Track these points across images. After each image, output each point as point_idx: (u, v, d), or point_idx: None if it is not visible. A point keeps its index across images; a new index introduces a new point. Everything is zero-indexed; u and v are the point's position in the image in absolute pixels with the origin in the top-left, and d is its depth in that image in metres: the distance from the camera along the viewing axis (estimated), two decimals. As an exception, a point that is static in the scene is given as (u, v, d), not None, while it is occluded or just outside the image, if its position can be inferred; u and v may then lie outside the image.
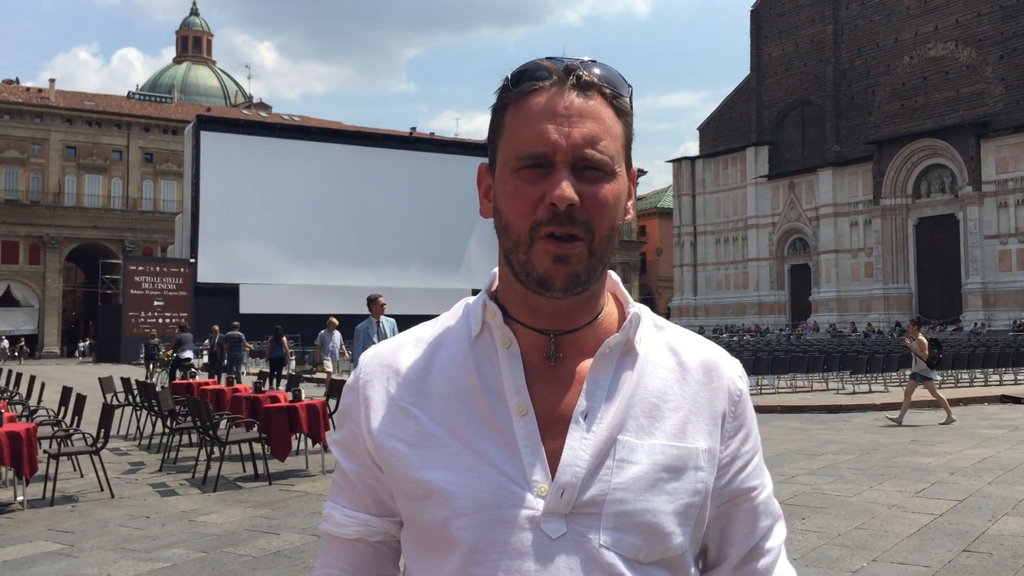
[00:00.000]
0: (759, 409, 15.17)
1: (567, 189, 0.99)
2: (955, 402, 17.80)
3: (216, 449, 9.78)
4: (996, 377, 22.30)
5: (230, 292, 50.93)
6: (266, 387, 14.02)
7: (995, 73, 55.47)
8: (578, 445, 1.02)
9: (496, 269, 1.14)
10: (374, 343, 9.46)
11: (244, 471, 10.23)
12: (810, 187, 65.37)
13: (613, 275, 1.15)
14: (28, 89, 69.33)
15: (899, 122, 60.24)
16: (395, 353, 1.13)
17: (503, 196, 1.05)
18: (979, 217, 54.55)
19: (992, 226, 54.27)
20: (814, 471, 9.83)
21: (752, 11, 72.13)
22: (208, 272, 51.17)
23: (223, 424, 10.34)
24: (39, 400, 14.75)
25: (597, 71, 1.04)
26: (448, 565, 1.03)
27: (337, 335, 18.80)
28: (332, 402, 11.64)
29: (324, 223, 54.31)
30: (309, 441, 10.73)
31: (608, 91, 1.04)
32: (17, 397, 15.78)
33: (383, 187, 56.75)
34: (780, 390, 20.50)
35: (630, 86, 1.08)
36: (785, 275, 67.76)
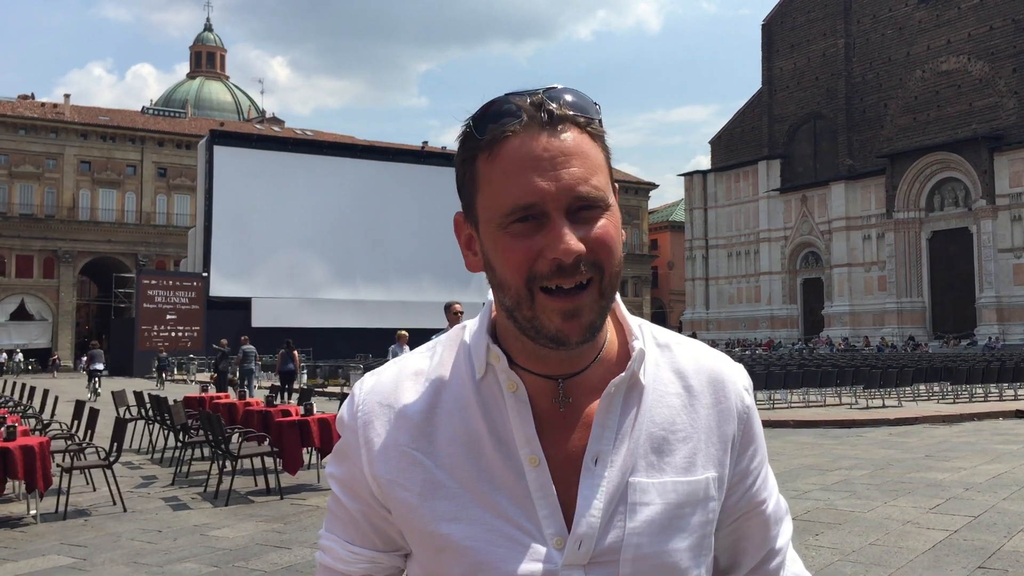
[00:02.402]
0: (773, 424, 15.05)
1: (571, 241, 0.93)
2: (969, 417, 17.70)
3: (228, 463, 9.79)
4: (1011, 392, 22.14)
5: (242, 306, 51.08)
6: (277, 401, 14.03)
7: (1008, 86, 55.31)
8: (591, 493, 0.99)
9: (491, 298, 1.06)
10: None
11: (256, 485, 10.23)
12: (822, 201, 65.21)
13: (617, 297, 1.12)
14: (43, 104, 69.85)
15: (912, 136, 60.08)
16: (395, 391, 1.06)
17: (495, 254, 0.98)
18: (993, 231, 54.29)
19: (1006, 240, 53.99)
20: (827, 486, 9.77)
21: (763, 25, 72.17)
22: (220, 286, 51.35)
23: (235, 438, 10.35)
24: (52, 414, 14.81)
25: (564, 99, 0.98)
26: None
27: (407, 349, 18.49)
28: (344, 416, 11.64)
29: (336, 237, 54.46)
30: (321, 455, 10.73)
31: (581, 119, 0.98)
32: (31, 411, 15.85)
33: (395, 201, 56.89)
34: (793, 404, 20.39)
35: (597, 104, 1.01)
36: (797, 289, 67.53)
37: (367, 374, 1.12)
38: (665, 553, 0.99)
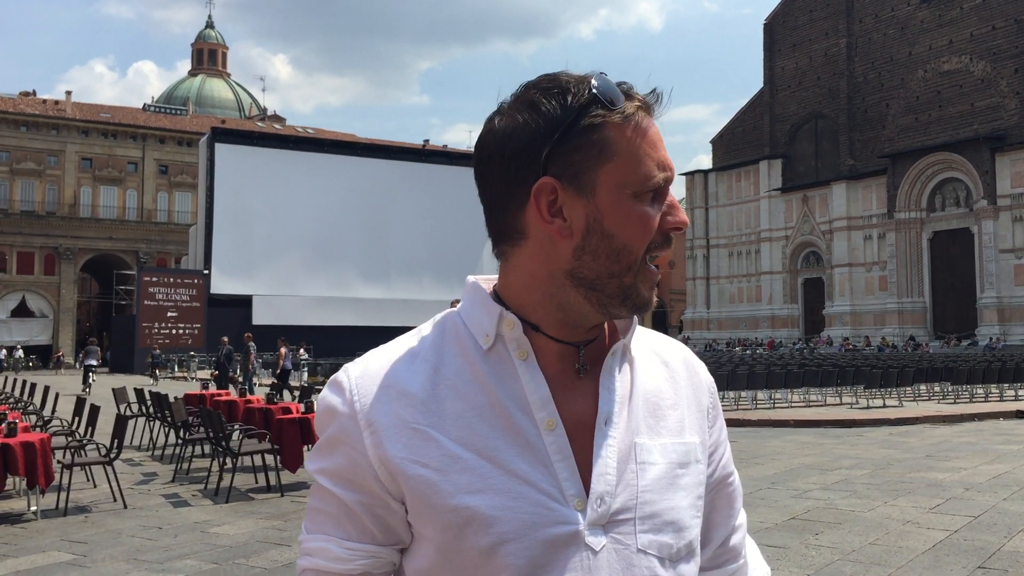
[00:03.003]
0: (773, 423, 15.08)
1: (683, 212, 1.05)
2: (970, 417, 17.70)
3: (228, 460, 9.80)
4: (1012, 392, 22.14)
5: (243, 304, 51.09)
6: (277, 399, 14.02)
7: (1010, 87, 55.28)
8: (605, 453, 1.03)
9: (473, 279, 1.10)
10: None
11: (256, 482, 10.24)
12: (823, 200, 65.16)
13: None
14: (45, 101, 69.89)
15: (913, 136, 60.04)
16: (390, 372, 1.05)
17: (622, 220, 1.01)
18: (994, 231, 54.26)
19: (1007, 240, 53.96)
20: (828, 486, 9.77)
21: (765, 24, 72.12)
22: (222, 284, 51.36)
23: (235, 435, 10.36)
24: (53, 410, 14.82)
25: (654, 94, 1.07)
26: None
27: None
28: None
29: (337, 235, 54.46)
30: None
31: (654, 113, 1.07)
32: (32, 407, 15.86)
33: (396, 199, 56.90)
34: (794, 404, 20.40)
35: None
36: (798, 288, 67.49)
37: (347, 364, 1.10)
38: (671, 510, 1.04)
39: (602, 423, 1.04)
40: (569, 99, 1.01)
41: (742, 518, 1.23)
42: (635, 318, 1.10)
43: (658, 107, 1.05)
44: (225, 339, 25.46)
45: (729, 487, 1.20)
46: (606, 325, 1.11)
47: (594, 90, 1.01)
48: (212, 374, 26.52)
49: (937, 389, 22.80)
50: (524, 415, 1.02)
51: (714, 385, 1.20)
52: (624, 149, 1.01)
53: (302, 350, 41.24)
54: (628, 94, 1.04)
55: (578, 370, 1.07)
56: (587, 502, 1.00)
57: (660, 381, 1.12)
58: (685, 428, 1.10)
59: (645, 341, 1.16)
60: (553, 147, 1.01)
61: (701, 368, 1.19)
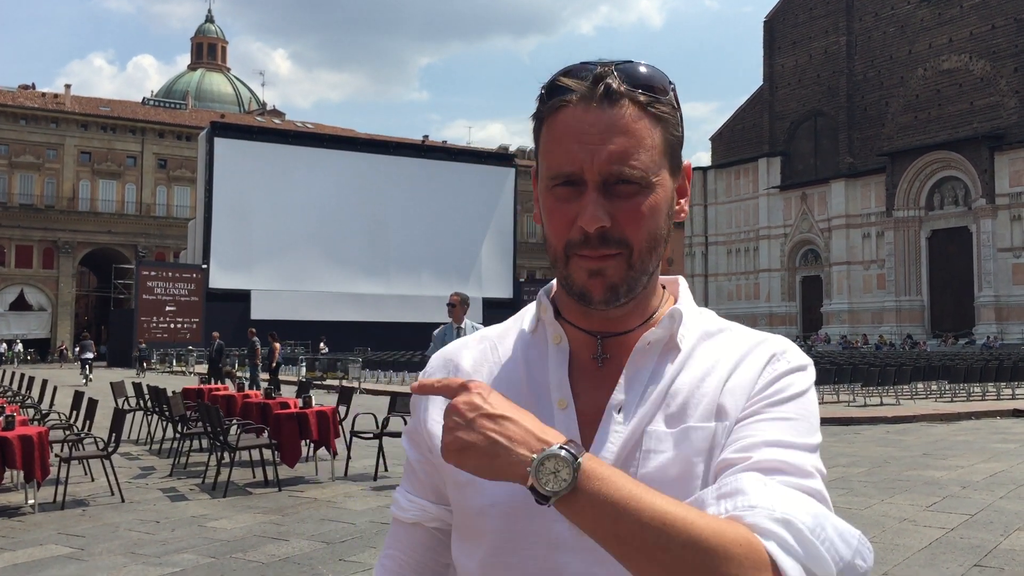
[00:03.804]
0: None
1: (596, 212, 0.98)
2: (967, 415, 17.73)
3: (226, 455, 9.80)
4: (1008, 391, 22.16)
5: (242, 298, 51.12)
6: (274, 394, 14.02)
7: (1009, 86, 55.29)
8: (606, 439, 1.02)
9: None
10: None
11: (254, 477, 10.24)
12: (822, 198, 65.20)
13: (681, 281, 1.16)
14: (44, 95, 69.80)
15: (912, 134, 60.06)
16: (459, 351, 1.18)
17: (543, 211, 1.05)
18: (992, 230, 54.32)
19: (1005, 239, 54.02)
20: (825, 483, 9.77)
21: (765, 22, 72.10)
22: (220, 278, 51.36)
23: (233, 430, 10.36)
24: (51, 404, 14.83)
25: (633, 74, 1.01)
26: (480, 551, 1.06)
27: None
28: (342, 409, 11.67)
29: (336, 230, 54.44)
30: (317, 448, 10.75)
31: (642, 98, 1.00)
32: (29, 401, 15.86)
33: (395, 195, 56.88)
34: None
35: (672, 84, 1.04)
36: (796, 286, 67.56)
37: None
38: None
39: (614, 411, 1.04)
40: (537, 97, 1.06)
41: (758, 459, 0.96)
42: (675, 309, 1.08)
43: (611, 87, 0.99)
44: (216, 334, 25.67)
45: (730, 455, 0.98)
46: (656, 317, 1.09)
47: (542, 86, 1.05)
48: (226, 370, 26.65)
49: (934, 387, 22.83)
50: (543, 394, 1.07)
51: (779, 371, 1.03)
52: (544, 140, 1.04)
53: (321, 343, 41.40)
54: (563, 86, 1.01)
55: (596, 359, 1.08)
56: None
57: (704, 371, 1.05)
58: (712, 413, 1.02)
59: (721, 340, 1.09)
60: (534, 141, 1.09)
61: (763, 352, 1.05)
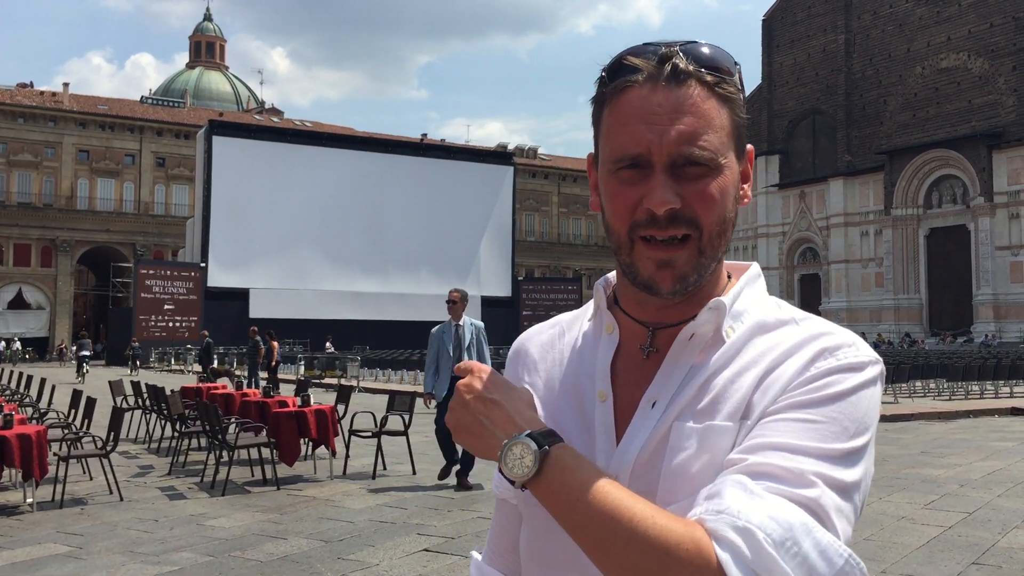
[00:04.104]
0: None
1: (664, 194, 0.96)
2: (965, 414, 17.75)
3: (225, 453, 9.80)
4: (1007, 389, 22.20)
5: (240, 297, 51.10)
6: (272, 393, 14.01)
7: (1007, 84, 55.32)
8: (636, 434, 1.01)
9: None
10: (449, 352, 9.15)
11: (252, 475, 10.24)
12: (821, 197, 65.25)
13: (753, 267, 1.13)
14: (42, 93, 69.74)
15: (911, 132, 60.10)
16: (531, 336, 1.20)
17: (605, 197, 1.03)
18: (990, 228, 54.37)
19: (1004, 237, 54.07)
20: (823, 482, 9.78)
21: (764, 20, 72.12)
22: (218, 277, 51.34)
23: (232, 428, 10.36)
24: (49, 403, 14.82)
25: (698, 54, 0.99)
26: (524, 535, 1.12)
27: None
28: (341, 407, 11.67)
29: (335, 229, 54.43)
30: (316, 446, 10.75)
31: (709, 78, 0.98)
32: (28, 399, 15.84)
33: (394, 193, 56.87)
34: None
35: (737, 64, 1.02)
36: (795, 285, 67.60)
37: None
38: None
39: (648, 405, 1.02)
40: (597, 79, 1.04)
41: (760, 466, 0.90)
42: (718, 301, 1.02)
43: (678, 67, 0.97)
44: (205, 332, 25.88)
45: (743, 452, 0.93)
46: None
47: (604, 66, 1.03)
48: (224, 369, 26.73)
49: (932, 386, 22.86)
50: (589, 384, 1.08)
51: (825, 367, 0.96)
52: (607, 123, 1.02)
53: (327, 343, 41.50)
54: (629, 65, 0.99)
55: (643, 351, 1.06)
56: None
57: (744, 365, 1.00)
58: (743, 410, 0.97)
59: (783, 333, 1.02)
60: (592, 126, 1.07)
61: (813, 348, 0.98)
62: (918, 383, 22.80)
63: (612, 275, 1.14)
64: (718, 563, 0.82)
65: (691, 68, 0.98)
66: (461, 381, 1.00)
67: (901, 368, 21.14)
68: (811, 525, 0.85)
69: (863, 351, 0.99)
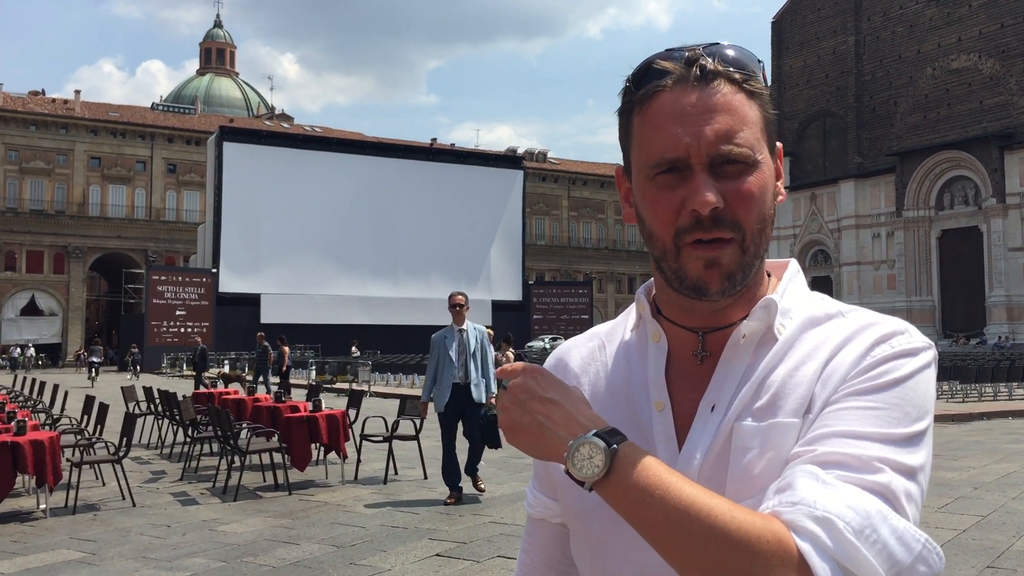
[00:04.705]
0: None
1: (707, 194, 0.95)
2: (978, 416, 17.65)
3: (236, 459, 9.82)
4: (1021, 391, 22.07)
5: (251, 302, 51.23)
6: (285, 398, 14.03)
7: (1019, 84, 55.07)
8: (699, 439, 1.00)
9: None
10: (451, 357, 9.01)
11: (264, 481, 10.26)
12: (832, 199, 65.03)
13: (792, 264, 1.11)
14: (54, 100, 70.12)
15: (922, 134, 59.87)
16: (570, 349, 1.19)
17: (643, 205, 1.02)
18: (1003, 229, 54.09)
19: (1016, 238, 53.79)
20: (836, 485, 9.74)
21: (773, 23, 71.97)
22: (230, 282, 51.50)
23: (243, 434, 10.38)
24: (62, 409, 14.88)
25: (723, 54, 1.00)
26: (584, 553, 1.08)
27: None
28: (352, 412, 11.68)
29: (345, 234, 54.56)
30: (327, 451, 10.76)
31: (737, 76, 0.99)
32: (41, 406, 15.92)
33: (404, 198, 56.98)
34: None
35: (761, 62, 1.03)
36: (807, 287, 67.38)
37: None
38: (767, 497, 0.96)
39: (707, 409, 1.01)
40: (622, 89, 1.04)
41: (831, 456, 0.90)
42: (769, 299, 1.02)
43: (706, 68, 0.98)
44: (198, 339, 26.06)
45: (808, 444, 0.92)
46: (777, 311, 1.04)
47: (629, 76, 1.03)
48: (225, 372, 26.79)
49: (946, 388, 22.73)
50: (643, 395, 1.07)
51: (881, 354, 0.96)
52: (639, 130, 1.01)
53: (353, 347, 41.67)
54: (658, 68, 0.99)
55: (696, 356, 1.05)
56: None
57: (799, 361, 0.99)
58: (805, 406, 0.97)
59: (832, 326, 1.02)
60: (620, 138, 1.07)
61: (875, 333, 0.98)
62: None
63: (651, 283, 1.13)
64: (799, 555, 0.81)
65: (719, 67, 0.98)
66: (514, 382, 0.97)
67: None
68: (886, 512, 0.85)
69: (916, 337, 0.99)
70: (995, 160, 54.54)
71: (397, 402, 12.29)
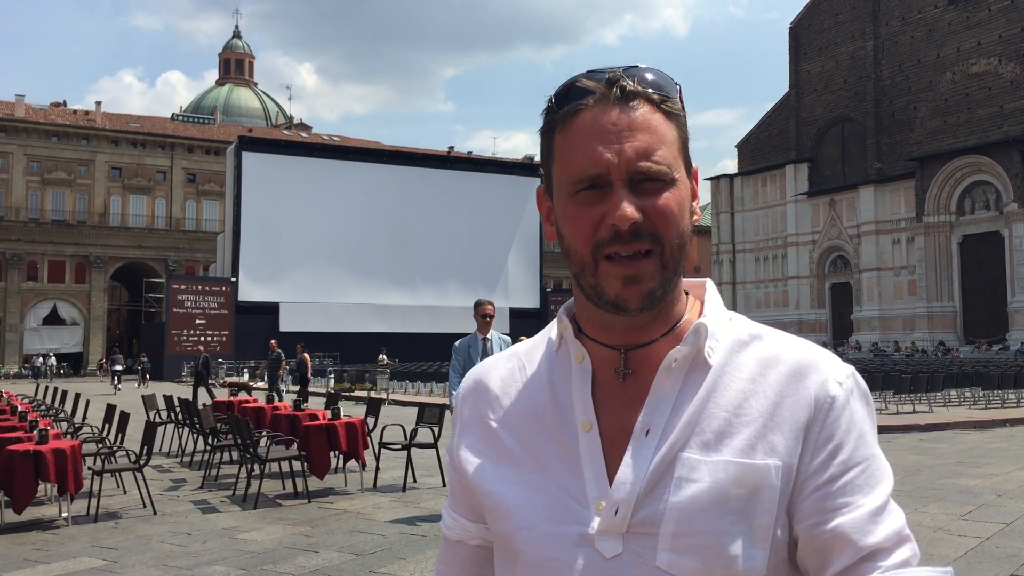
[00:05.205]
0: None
1: (627, 208, 0.97)
2: (1001, 422, 17.49)
3: (256, 467, 9.85)
4: (1044, 397, 21.84)
5: (270, 311, 51.44)
6: (304, 406, 14.08)
7: (1040, 88, 54.61)
8: (635, 462, 1.00)
9: None
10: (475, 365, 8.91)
11: (284, 489, 10.29)
12: (851, 204, 64.64)
13: (709, 284, 1.13)
14: (75, 112, 70.75)
15: (941, 138, 59.45)
16: (489, 369, 1.17)
17: (563, 221, 1.03)
18: (1025, 234, 53.60)
19: (1038, 243, 53.28)
20: (857, 492, 9.66)
21: (791, 28, 71.72)
22: (249, 291, 51.74)
23: (263, 442, 10.42)
24: (84, 417, 14.98)
25: (642, 77, 1.02)
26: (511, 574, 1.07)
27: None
28: (371, 420, 11.70)
29: (363, 242, 54.72)
30: (347, 459, 10.77)
31: (655, 96, 1.01)
32: (62, 414, 16.03)
33: (421, 206, 57.10)
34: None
35: (678, 84, 1.05)
36: (826, 293, 66.97)
37: None
38: (710, 533, 0.96)
39: (642, 433, 1.01)
40: (544, 108, 1.06)
41: (886, 561, 0.98)
42: (700, 324, 1.03)
43: (626, 88, 1.00)
44: (201, 348, 26.31)
45: (842, 517, 0.97)
46: (682, 328, 1.06)
47: (551, 96, 1.05)
48: (242, 382, 26.98)
49: (968, 394, 22.54)
50: (567, 415, 1.06)
51: (834, 400, 1.00)
52: (560, 148, 1.03)
53: (382, 355, 41.85)
54: (581, 88, 1.02)
55: (619, 374, 1.05)
56: (605, 506, 0.99)
57: (743, 395, 1.01)
58: (757, 449, 0.98)
59: (757, 349, 1.05)
60: (541, 157, 1.09)
61: (816, 379, 1.01)
62: (953, 392, 22.51)
63: (572, 301, 1.13)
64: None
65: (639, 88, 1.01)
66: None
67: (936, 377, 20.88)
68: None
69: (840, 371, 1.03)
70: (1016, 164, 54.07)
71: (416, 410, 12.29)
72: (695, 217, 1.05)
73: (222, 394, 23.57)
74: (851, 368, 1.04)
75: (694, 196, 1.06)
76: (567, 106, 1.02)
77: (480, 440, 1.11)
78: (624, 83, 1.00)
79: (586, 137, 1.00)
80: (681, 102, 1.04)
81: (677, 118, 1.03)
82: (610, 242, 0.98)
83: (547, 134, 1.06)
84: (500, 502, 1.05)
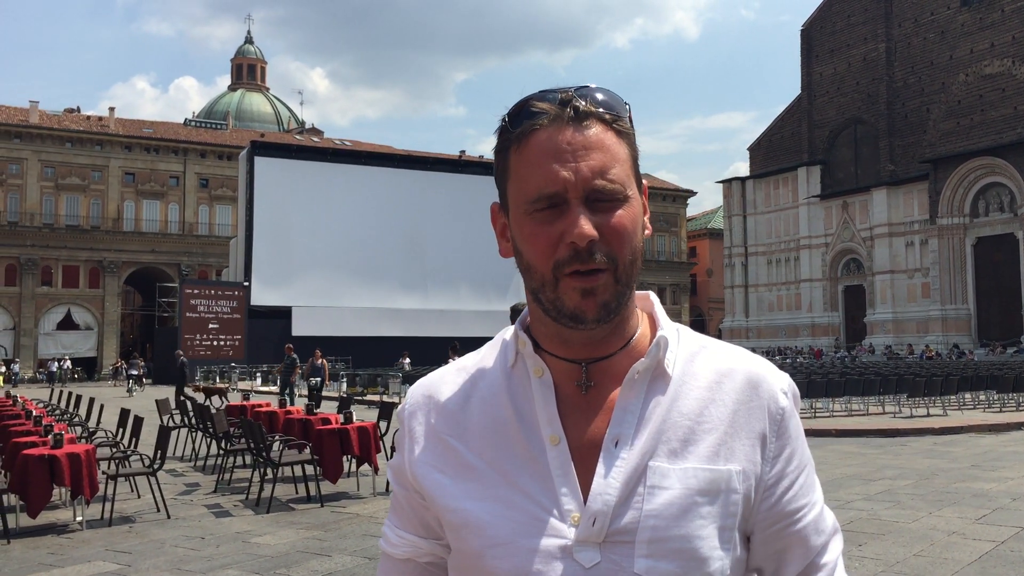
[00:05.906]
0: (815, 433, 14.91)
1: (584, 226, 0.99)
2: (1016, 426, 17.38)
3: (269, 471, 9.88)
4: (1060, 400, 21.69)
5: (283, 315, 51.54)
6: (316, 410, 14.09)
7: (1054, 89, 54.31)
8: (608, 472, 1.02)
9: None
10: None
11: (296, 493, 10.31)
12: (864, 207, 64.41)
13: (652, 297, 1.16)
14: (89, 118, 71.11)
15: (955, 140, 59.19)
16: (438, 385, 1.16)
17: (521, 239, 1.05)
18: (1040, 236, 53.29)
19: (1053, 245, 52.96)
20: (871, 496, 9.64)
21: (803, 30, 71.57)
22: (261, 295, 51.86)
23: (276, 446, 10.45)
24: (98, 422, 15.05)
25: (593, 97, 1.04)
26: None
27: None
28: (383, 424, 11.72)
29: (375, 246, 54.80)
30: (359, 463, 10.79)
31: (607, 116, 1.04)
32: (77, 419, 16.10)
33: (433, 210, 57.15)
34: (835, 413, 20.16)
35: (627, 104, 1.08)
36: (839, 296, 66.73)
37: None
38: (683, 538, 1.00)
39: (611, 444, 1.04)
40: (499, 128, 1.08)
41: (829, 556, 1.12)
42: (662, 337, 1.08)
43: (579, 108, 1.02)
44: (179, 352, 26.73)
45: (798, 522, 1.08)
46: (647, 346, 1.09)
47: (504, 115, 1.07)
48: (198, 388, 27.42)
49: (982, 397, 22.41)
50: (532, 430, 1.06)
51: (784, 410, 1.09)
52: (515, 167, 1.05)
53: (406, 360, 41.93)
54: (534, 109, 1.03)
55: (581, 387, 1.08)
56: (582, 518, 1.01)
57: (703, 403, 1.06)
58: (720, 455, 1.04)
59: (708, 358, 1.10)
60: (495, 175, 1.11)
61: (768, 390, 1.09)
62: (967, 395, 22.39)
63: (525, 316, 1.14)
64: None
65: (591, 108, 1.03)
66: None
67: (950, 380, 20.77)
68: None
69: (783, 380, 1.11)
70: (1030, 166, 53.79)
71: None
72: (646, 232, 1.09)
73: (198, 397, 23.67)
74: (788, 377, 1.12)
75: (645, 211, 1.09)
76: (521, 126, 1.04)
77: (437, 456, 1.10)
78: (577, 103, 1.03)
79: (542, 156, 1.02)
80: (630, 121, 1.07)
81: (628, 136, 1.06)
82: (569, 260, 1.00)
83: (502, 153, 1.07)
84: (468, 519, 1.05)
